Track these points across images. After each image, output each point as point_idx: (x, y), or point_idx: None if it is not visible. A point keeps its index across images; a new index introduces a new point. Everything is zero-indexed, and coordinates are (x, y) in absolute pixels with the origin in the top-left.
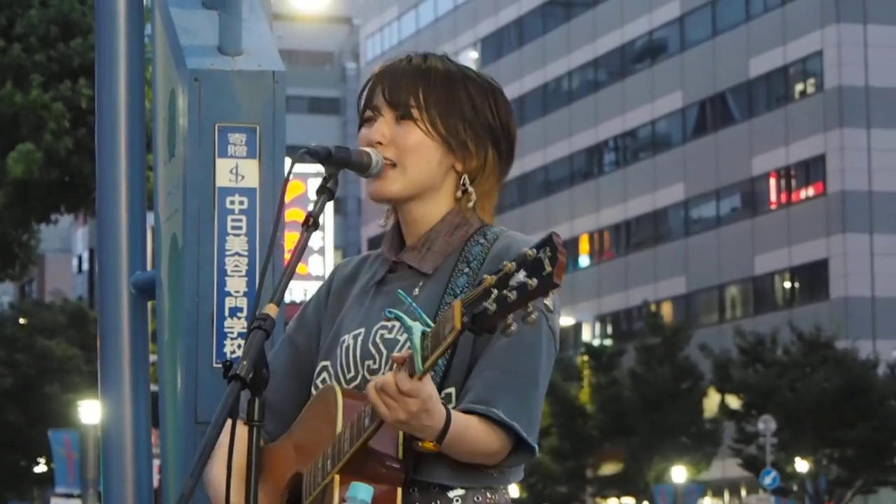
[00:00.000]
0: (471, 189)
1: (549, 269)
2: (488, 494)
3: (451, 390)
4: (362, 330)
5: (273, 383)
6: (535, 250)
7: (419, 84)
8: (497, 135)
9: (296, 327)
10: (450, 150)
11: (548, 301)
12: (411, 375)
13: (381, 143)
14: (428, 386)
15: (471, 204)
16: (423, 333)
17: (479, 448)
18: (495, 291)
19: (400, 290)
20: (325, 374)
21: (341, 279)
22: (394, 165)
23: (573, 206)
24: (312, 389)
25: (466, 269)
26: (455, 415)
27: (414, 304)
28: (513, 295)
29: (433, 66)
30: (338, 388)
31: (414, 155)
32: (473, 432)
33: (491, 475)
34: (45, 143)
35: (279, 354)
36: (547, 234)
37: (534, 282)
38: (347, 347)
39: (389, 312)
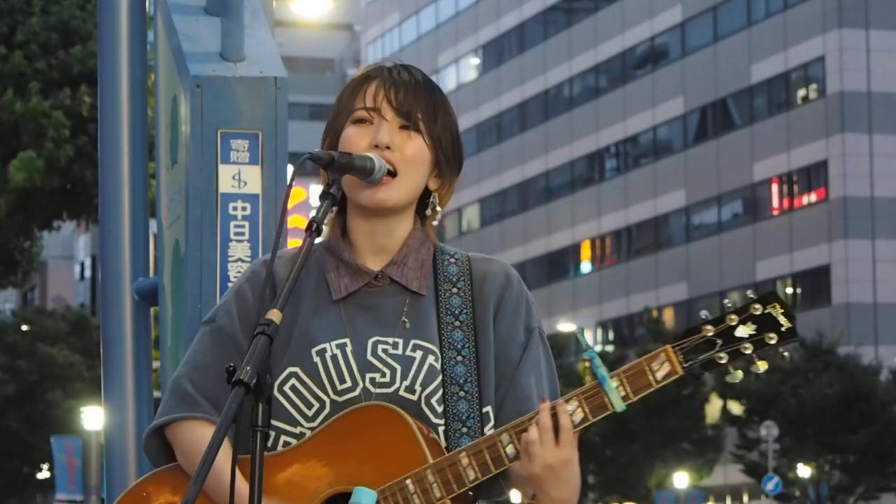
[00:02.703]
0: (439, 209)
1: (787, 324)
2: None
3: (489, 409)
4: (347, 340)
5: (220, 384)
6: (760, 305)
7: (426, 98)
8: (461, 160)
9: (240, 328)
10: (435, 168)
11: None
12: (602, 410)
13: (389, 148)
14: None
15: (435, 222)
16: (613, 375)
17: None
18: (719, 342)
19: (585, 340)
20: (293, 381)
21: (282, 281)
22: (393, 175)
23: (574, 212)
24: (276, 394)
25: (455, 290)
26: None
27: (592, 349)
28: (748, 347)
29: (433, 85)
30: (408, 417)
31: (414, 166)
32: None
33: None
34: (46, 150)
35: (220, 352)
36: (769, 291)
37: (773, 337)
38: (334, 357)
39: (590, 352)
